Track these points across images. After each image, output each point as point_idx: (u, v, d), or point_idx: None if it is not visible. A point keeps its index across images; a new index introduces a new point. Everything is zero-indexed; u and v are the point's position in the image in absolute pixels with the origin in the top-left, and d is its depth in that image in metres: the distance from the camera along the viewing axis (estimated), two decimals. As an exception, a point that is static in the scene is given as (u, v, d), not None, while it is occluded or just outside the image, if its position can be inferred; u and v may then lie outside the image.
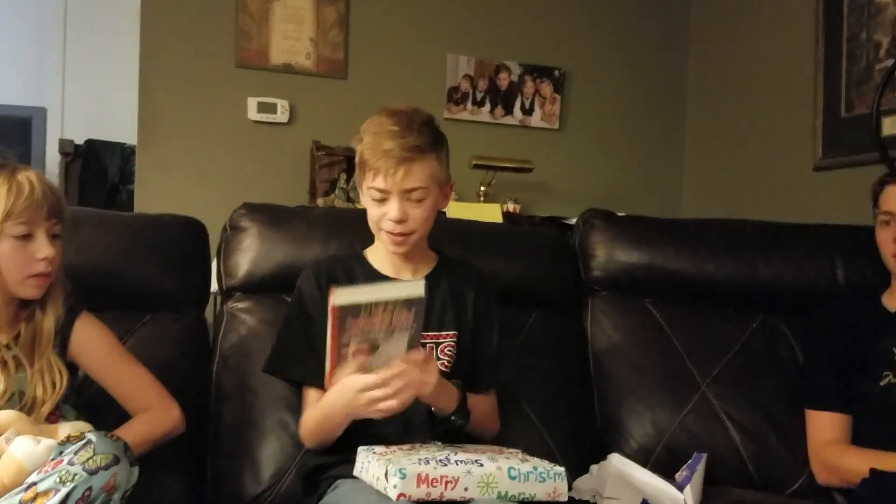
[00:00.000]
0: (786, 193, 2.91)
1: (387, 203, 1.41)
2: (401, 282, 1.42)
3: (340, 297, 1.19)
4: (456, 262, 1.58)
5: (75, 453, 1.10)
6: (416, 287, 1.24)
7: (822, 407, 1.67)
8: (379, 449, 1.28)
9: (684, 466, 1.62)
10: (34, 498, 1.07)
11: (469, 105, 3.38)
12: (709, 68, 3.46)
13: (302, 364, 1.44)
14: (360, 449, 1.30)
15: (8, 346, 1.30)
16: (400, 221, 1.41)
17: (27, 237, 1.28)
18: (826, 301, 1.79)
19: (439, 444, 1.33)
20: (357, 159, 1.46)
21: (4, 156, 1.33)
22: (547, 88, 3.47)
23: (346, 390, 1.28)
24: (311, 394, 1.44)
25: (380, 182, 1.40)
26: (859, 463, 1.54)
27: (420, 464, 1.19)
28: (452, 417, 1.37)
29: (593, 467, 1.60)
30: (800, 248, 1.90)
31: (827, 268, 1.88)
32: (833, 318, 1.74)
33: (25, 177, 1.28)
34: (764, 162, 3.06)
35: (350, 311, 1.20)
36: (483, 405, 1.47)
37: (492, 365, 1.50)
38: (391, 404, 1.26)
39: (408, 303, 1.22)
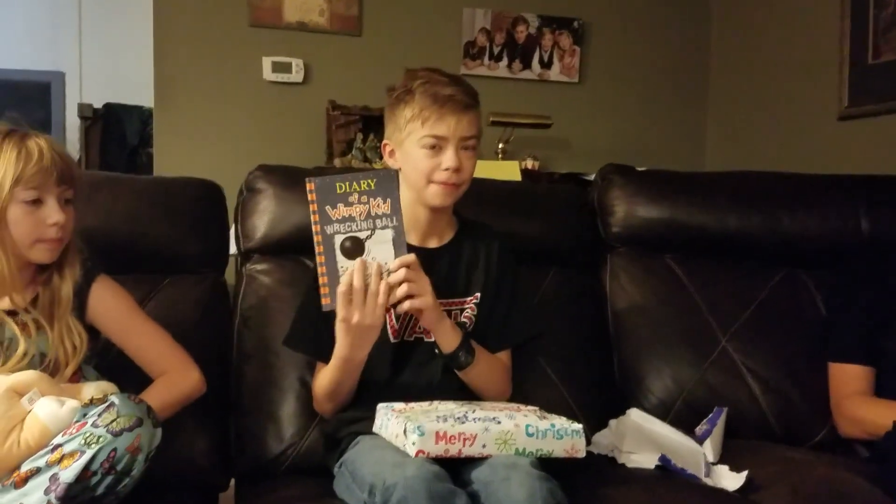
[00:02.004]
0: (810, 144, 2.85)
1: (442, 153, 1.40)
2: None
3: (315, 180, 1.29)
4: (476, 224, 1.57)
5: (99, 415, 1.12)
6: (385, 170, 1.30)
7: (845, 359, 1.65)
8: (398, 406, 1.30)
9: (704, 420, 1.62)
10: (60, 459, 1.10)
11: (486, 60, 3.33)
12: (732, 16, 3.37)
13: (316, 342, 1.45)
14: (380, 406, 1.32)
15: (26, 310, 1.31)
16: (456, 170, 1.41)
17: (37, 202, 1.29)
18: (851, 253, 1.76)
19: (458, 401, 1.34)
20: (397, 120, 1.43)
21: (18, 122, 1.33)
22: (566, 40, 3.40)
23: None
24: (322, 366, 1.45)
25: (440, 129, 1.39)
26: (883, 415, 1.53)
27: (438, 421, 1.20)
28: (459, 353, 1.38)
29: (612, 422, 1.61)
30: (823, 200, 1.87)
31: (851, 219, 1.84)
32: (859, 269, 1.71)
33: (35, 143, 1.29)
34: (788, 112, 3.00)
35: (326, 193, 1.28)
36: (493, 362, 1.47)
37: (504, 326, 1.50)
38: (403, 289, 1.29)
39: (380, 185, 1.29)
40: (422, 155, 1.41)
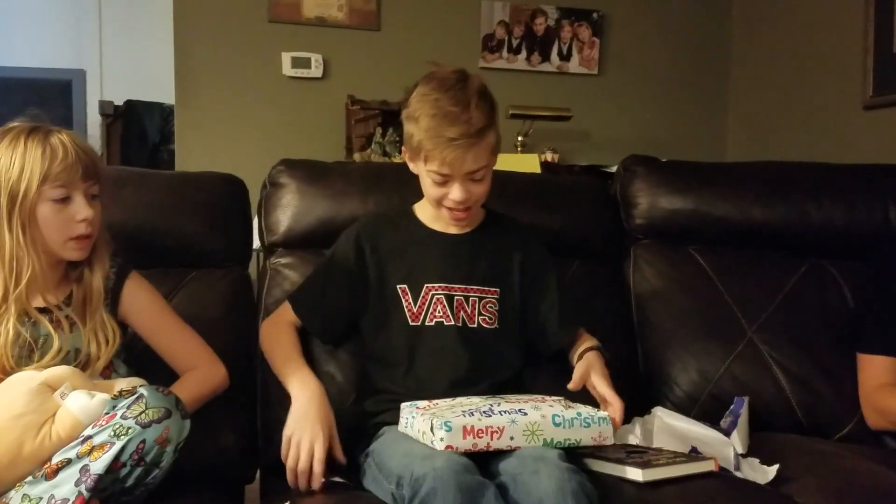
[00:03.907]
0: (835, 134, 2.82)
1: (449, 185, 1.40)
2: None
3: None
4: (503, 218, 1.57)
5: (128, 407, 1.13)
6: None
7: (875, 351, 1.63)
8: (421, 404, 1.29)
9: (728, 412, 1.61)
10: (90, 451, 1.10)
11: (505, 53, 3.32)
12: (754, 5, 3.34)
13: (306, 305, 1.51)
14: (403, 405, 1.32)
15: (59, 307, 1.32)
16: (464, 200, 1.40)
17: (65, 200, 1.29)
18: (881, 243, 1.74)
19: (481, 396, 1.34)
20: (409, 140, 1.41)
21: (39, 119, 1.32)
22: (585, 32, 3.39)
23: None
24: (290, 314, 1.50)
25: (444, 168, 1.37)
26: (912, 407, 1.52)
27: (465, 416, 1.19)
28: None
29: (636, 419, 1.60)
30: (850, 190, 1.84)
31: (878, 209, 1.82)
32: (889, 260, 1.69)
33: (59, 140, 1.28)
34: (811, 102, 2.97)
35: None
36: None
37: (564, 316, 1.51)
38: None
39: None
40: (430, 182, 1.42)
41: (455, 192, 1.39)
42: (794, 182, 1.86)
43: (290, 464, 1.29)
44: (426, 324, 1.44)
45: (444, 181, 1.39)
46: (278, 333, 1.49)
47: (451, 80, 1.39)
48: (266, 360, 1.50)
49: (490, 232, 1.53)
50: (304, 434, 1.30)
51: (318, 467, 1.28)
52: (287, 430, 1.32)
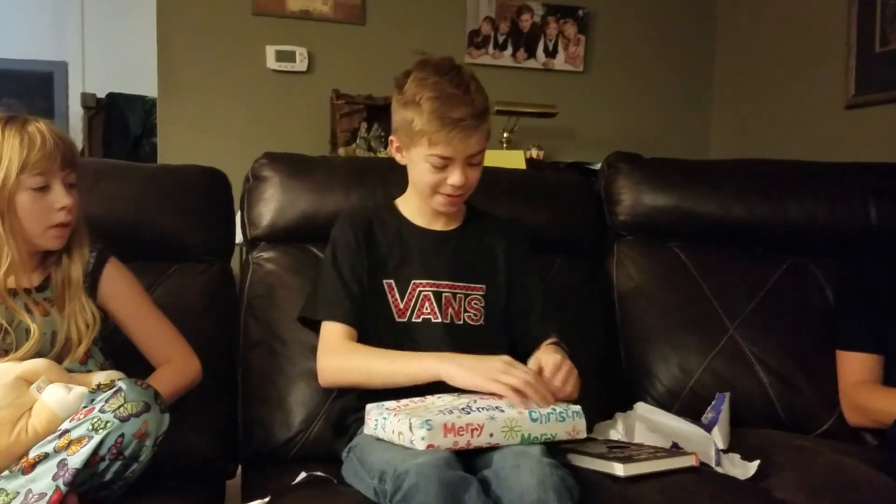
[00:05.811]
0: (817, 133, 2.84)
1: (447, 169, 1.39)
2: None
3: None
4: (486, 214, 1.57)
5: (106, 401, 1.12)
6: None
7: (854, 348, 1.64)
8: (389, 404, 1.27)
9: (709, 408, 1.62)
10: (68, 445, 1.09)
11: (490, 49, 3.32)
12: (738, 4, 3.36)
13: (332, 305, 1.42)
14: (370, 406, 1.29)
15: (29, 291, 1.31)
16: (461, 185, 1.40)
17: (44, 188, 1.29)
18: (861, 241, 1.76)
19: (451, 394, 1.30)
20: (408, 126, 1.39)
21: (15, 109, 1.32)
22: (571, 29, 3.39)
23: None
24: (336, 329, 1.40)
25: (447, 151, 1.37)
26: (890, 403, 1.54)
27: (444, 413, 1.18)
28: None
29: (618, 415, 1.60)
30: (831, 188, 1.86)
31: (859, 207, 1.83)
32: (869, 258, 1.70)
33: (36, 128, 1.28)
34: (794, 100, 2.99)
35: None
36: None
37: (545, 313, 1.49)
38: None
39: None
40: (427, 168, 1.41)
41: (454, 177, 1.39)
42: (777, 180, 1.87)
43: (518, 384, 1.23)
44: (413, 320, 1.43)
45: (445, 165, 1.39)
46: (353, 356, 1.38)
47: (445, 65, 1.41)
48: (357, 381, 1.39)
49: (474, 228, 1.53)
50: (493, 367, 1.25)
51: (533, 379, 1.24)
52: (484, 379, 1.25)
